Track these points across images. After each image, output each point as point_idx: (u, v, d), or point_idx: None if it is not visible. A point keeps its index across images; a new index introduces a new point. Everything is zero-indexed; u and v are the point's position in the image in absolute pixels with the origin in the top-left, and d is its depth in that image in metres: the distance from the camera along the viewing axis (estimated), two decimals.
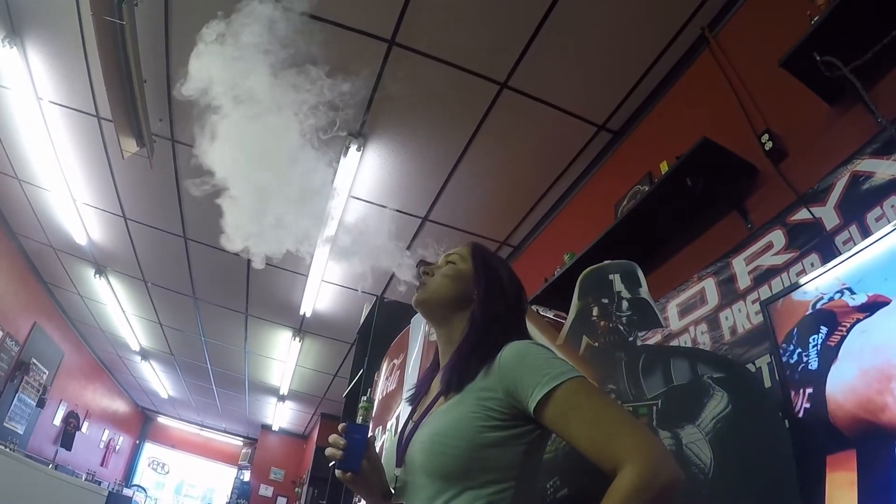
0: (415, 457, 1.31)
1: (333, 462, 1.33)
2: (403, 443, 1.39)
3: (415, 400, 1.61)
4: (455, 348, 1.46)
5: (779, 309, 1.71)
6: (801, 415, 1.51)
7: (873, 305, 1.40)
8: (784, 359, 1.61)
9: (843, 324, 1.46)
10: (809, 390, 1.50)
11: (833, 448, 1.39)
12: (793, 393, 1.56)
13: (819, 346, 1.51)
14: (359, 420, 1.36)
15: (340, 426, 1.35)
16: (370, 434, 1.36)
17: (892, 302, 1.35)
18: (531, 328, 1.60)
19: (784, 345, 1.63)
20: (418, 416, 1.44)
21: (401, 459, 1.36)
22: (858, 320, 1.43)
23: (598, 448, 1.13)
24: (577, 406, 1.18)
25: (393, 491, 1.38)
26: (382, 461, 1.45)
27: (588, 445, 1.15)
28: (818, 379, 1.48)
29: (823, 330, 1.51)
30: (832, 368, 1.45)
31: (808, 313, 1.59)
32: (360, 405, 1.39)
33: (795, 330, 1.61)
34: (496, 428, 1.25)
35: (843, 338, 1.45)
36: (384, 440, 3.51)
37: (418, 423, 1.40)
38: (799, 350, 1.57)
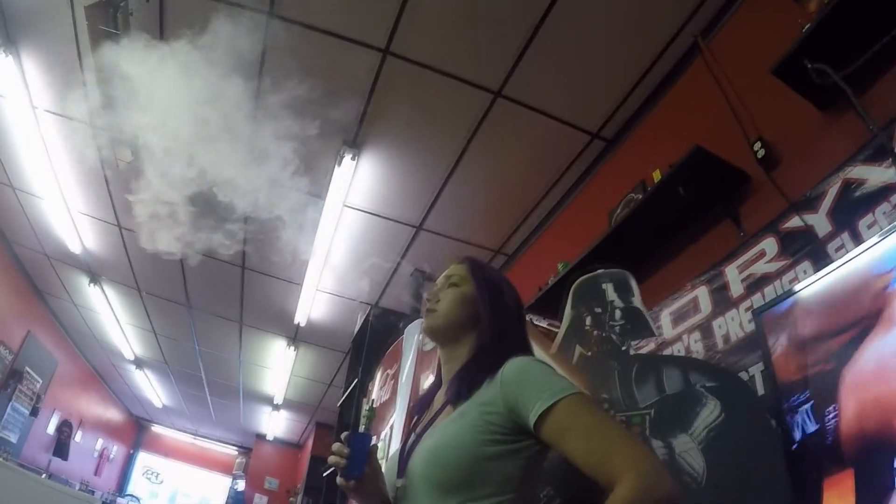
0: (416, 467, 1.33)
1: (334, 469, 1.34)
2: (406, 454, 1.40)
3: (418, 412, 1.62)
4: (463, 363, 1.48)
5: (774, 318, 1.71)
6: (797, 431, 1.51)
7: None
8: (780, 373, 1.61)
9: (841, 333, 1.46)
10: (807, 405, 1.50)
11: (831, 466, 1.39)
12: (785, 405, 1.56)
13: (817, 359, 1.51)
14: (361, 428, 1.37)
15: (343, 434, 1.36)
16: (372, 442, 1.37)
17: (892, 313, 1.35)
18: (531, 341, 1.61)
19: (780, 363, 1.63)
20: (421, 428, 1.47)
21: (402, 470, 1.38)
22: (856, 332, 1.43)
23: (595, 463, 1.14)
24: (575, 422, 1.20)
25: (393, 500, 1.39)
26: (384, 471, 1.46)
27: (585, 461, 1.16)
28: (816, 392, 1.48)
29: (821, 340, 1.51)
30: (833, 383, 1.45)
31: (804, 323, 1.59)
32: (363, 413, 1.41)
33: (791, 342, 1.61)
34: (497, 442, 1.27)
35: (841, 348, 1.45)
36: (378, 449, 3.49)
37: (421, 434, 1.43)
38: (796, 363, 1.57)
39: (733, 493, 1.53)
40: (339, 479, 1.35)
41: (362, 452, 1.33)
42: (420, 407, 1.63)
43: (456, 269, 1.62)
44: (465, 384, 1.39)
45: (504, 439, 1.27)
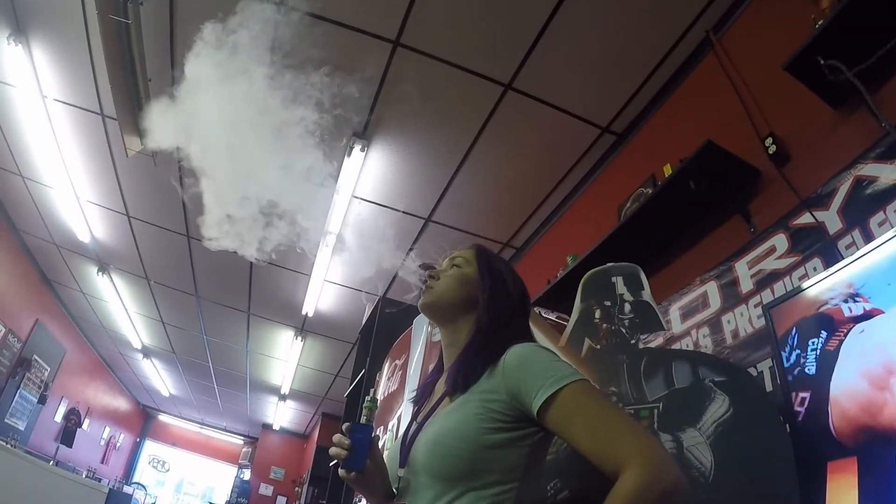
0: (418, 457, 1.31)
1: (337, 461, 1.33)
2: (407, 443, 1.39)
3: (419, 401, 1.61)
4: (460, 350, 1.46)
5: (781, 311, 1.71)
6: (801, 420, 1.51)
7: (873, 310, 1.40)
8: (785, 363, 1.61)
9: (842, 328, 1.46)
10: (809, 395, 1.50)
11: (834, 454, 1.39)
12: (794, 397, 1.56)
13: (818, 350, 1.50)
14: (363, 420, 1.36)
15: (345, 425, 1.35)
16: (374, 434, 1.36)
17: (891, 307, 1.35)
18: (534, 330, 1.60)
19: (784, 348, 1.63)
20: (422, 417, 1.45)
21: (404, 460, 1.37)
22: (857, 322, 1.43)
23: (600, 451, 1.13)
24: (579, 409, 1.18)
25: (396, 491, 1.38)
26: (385, 461, 1.45)
27: (590, 448, 1.15)
28: (818, 383, 1.48)
29: (823, 333, 1.51)
30: (832, 373, 1.45)
31: (807, 316, 1.59)
32: (365, 405, 1.39)
33: (795, 332, 1.61)
34: (500, 430, 1.25)
35: (842, 341, 1.45)
36: (385, 440, 3.51)
37: (422, 424, 1.41)
38: (798, 353, 1.57)
39: (741, 487, 1.53)
40: (340, 471, 1.34)
41: (363, 444, 1.32)
42: (421, 394, 1.62)
43: (462, 253, 1.61)
44: (461, 376, 1.37)
45: (507, 427, 1.26)
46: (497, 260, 1.62)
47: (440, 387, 1.50)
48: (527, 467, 1.27)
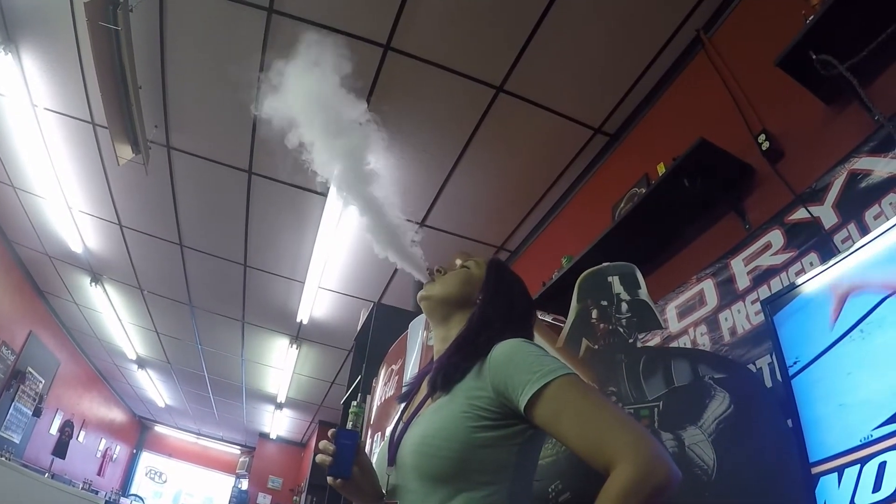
0: (406, 459, 1.30)
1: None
2: (395, 443, 1.37)
3: (406, 398, 1.60)
4: (447, 346, 1.45)
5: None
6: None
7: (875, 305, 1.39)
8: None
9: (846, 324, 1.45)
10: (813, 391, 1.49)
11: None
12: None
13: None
14: (349, 426, 1.34)
15: (330, 432, 1.33)
16: (362, 440, 1.34)
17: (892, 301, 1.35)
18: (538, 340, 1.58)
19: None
20: (408, 416, 1.43)
21: (392, 459, 1.35)
22: (861, 319, 1.42)
23: (590, 446, 1.11)
24: (568, 403, 1.16)
25: (385, 493, 1.36)
26: (375, 464, 1.44)
27: (579, 443, 1.13)
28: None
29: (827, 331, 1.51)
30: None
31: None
32: (351, 410, 1.38)
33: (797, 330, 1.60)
34: (488, 428, 1.24)
35: (842, 338, 1.44)
36: (383, 446, 3.49)
37: (408, 422, 1.39)
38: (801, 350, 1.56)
39: (745, 484, 1.52)
40: (328, 478, 1.32)
41: (349, 451, 1.30)
42: (409, 392, 1.60)
43: (477, 258, 1.61)
44: (441, 374, 1.36)
45: (495, 425, 1.24)
46: (508, 271, 1.62)
47: (426, 385, 1.48)
48: (517, 466, 1.25)
